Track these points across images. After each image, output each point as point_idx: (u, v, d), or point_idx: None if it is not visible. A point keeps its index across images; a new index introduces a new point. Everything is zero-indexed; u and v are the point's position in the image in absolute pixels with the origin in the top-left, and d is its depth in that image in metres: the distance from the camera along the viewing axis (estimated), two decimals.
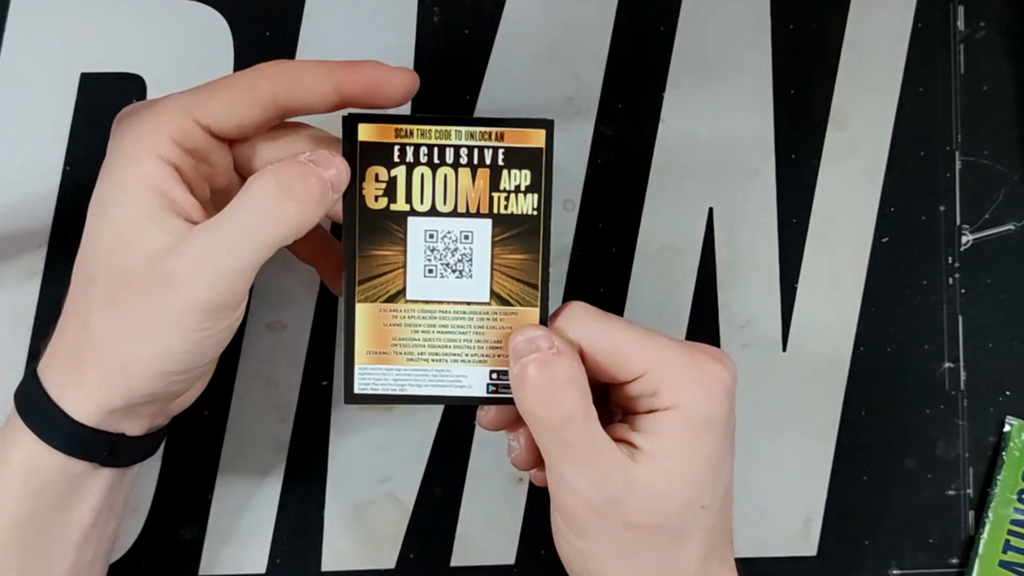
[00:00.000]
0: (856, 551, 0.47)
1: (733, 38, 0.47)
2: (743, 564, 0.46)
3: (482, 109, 0.46)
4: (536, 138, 0.35)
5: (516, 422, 0.36)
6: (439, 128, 0.34)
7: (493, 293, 0.35)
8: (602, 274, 0.46)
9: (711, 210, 0.46)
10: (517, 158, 0.34)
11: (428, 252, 0.35)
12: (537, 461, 0.36)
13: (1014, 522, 0.46)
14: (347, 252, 0.35)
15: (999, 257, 0.47)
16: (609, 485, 0.33)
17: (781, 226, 0.47)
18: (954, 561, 0.47)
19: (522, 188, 0.35)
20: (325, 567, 0.45)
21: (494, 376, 0.36)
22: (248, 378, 0.45)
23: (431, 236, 0.35)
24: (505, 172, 0.35)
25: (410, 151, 0.34)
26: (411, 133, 0.34)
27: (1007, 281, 0.47)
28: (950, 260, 0.47)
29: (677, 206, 0.46)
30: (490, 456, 0.46)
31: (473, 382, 0.36)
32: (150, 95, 0.44)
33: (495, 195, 0.35)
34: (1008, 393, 0.47)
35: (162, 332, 0.31)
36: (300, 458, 0.45)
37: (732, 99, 0.46)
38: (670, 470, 0.33)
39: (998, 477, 0.47)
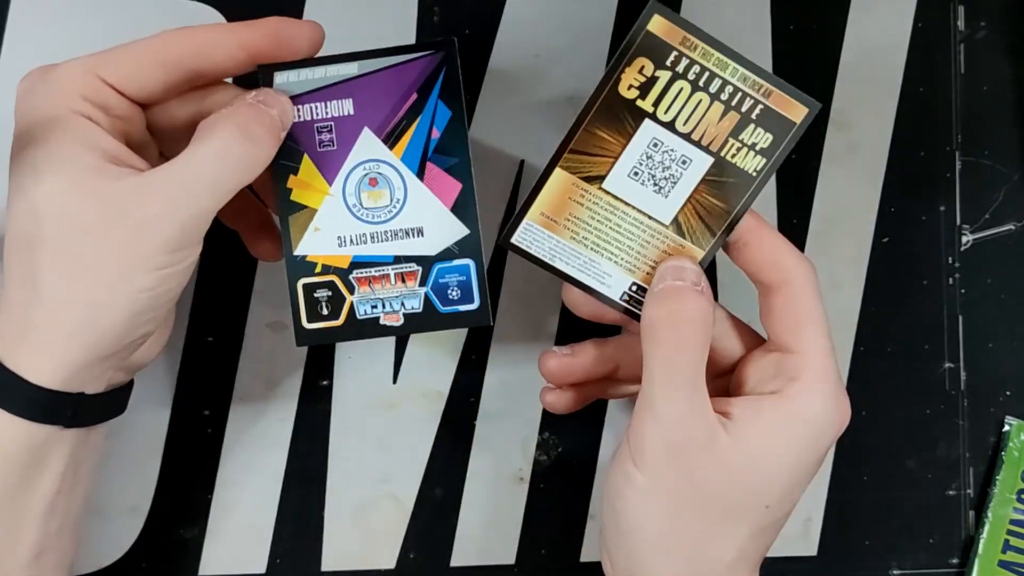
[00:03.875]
0: (856, 551, 0.47)
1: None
2: None
3: (482, 108, 0.46)
4: (796, 112, 0.35)
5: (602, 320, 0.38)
6: (720, 56, 0.34)
7: (675, 220, 0.36)
8: None
9: None
10: (769, 120, 0.35)
11: (644, 158, 0.35)
12: (580, 376, 0.38)
13: (1013, 522, 0.46)
14: (576, 120, 0.35)
15: (999, 257, 0.47)
16: (692, 430, 0.33)
17: (781, 226, 0.47)
18: (954, 561, 0.47)
19: (757, 148, 0.35)
20: (325, 567, 0.45)
21: (633, 289, 0.37)
22: (248, 378, 0.45)
23: (655, 145, 0.35)
24: (751, 126, 0.35)
25: (684, 63, 0.34)
26: (695, 48, 0.34)
27: (1007, 281, 0.47)
28: (950, 260, 0.47)
29: None
30: (490, 456, 0.46)
31: (614, 284, 0.37)
32: None
33: (731, 140, 0.35)
34: (1008, 393, 0.47)
35: (131, 274, 0.32)
36: (300, 458, 0.45)
37: None
38: (753, 454, 0.33)
39: (998, 477, 0.47)
